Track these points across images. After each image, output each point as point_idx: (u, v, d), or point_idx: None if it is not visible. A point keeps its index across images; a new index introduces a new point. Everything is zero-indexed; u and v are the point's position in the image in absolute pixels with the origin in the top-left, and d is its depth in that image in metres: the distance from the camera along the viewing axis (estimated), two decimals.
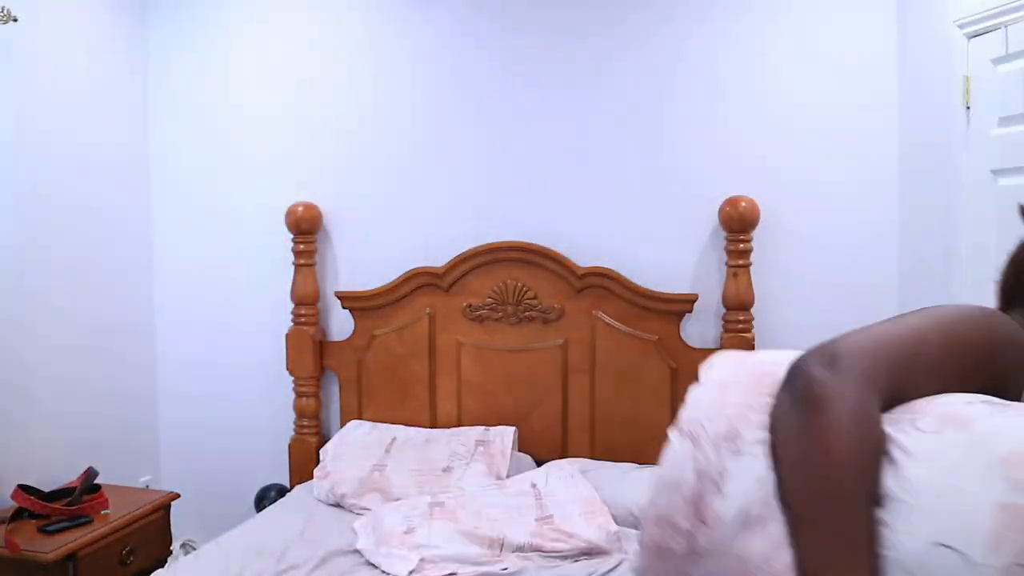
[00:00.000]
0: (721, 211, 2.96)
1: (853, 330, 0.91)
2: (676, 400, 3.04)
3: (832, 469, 0.82)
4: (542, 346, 3.15)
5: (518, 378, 3.16)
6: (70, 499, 2.73)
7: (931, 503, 0.81)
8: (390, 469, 2.93)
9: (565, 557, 2.47)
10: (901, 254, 3.00)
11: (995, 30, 2.35)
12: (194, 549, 3.17)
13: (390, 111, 3.32)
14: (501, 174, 3.23)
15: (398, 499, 2.80)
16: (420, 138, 3.30)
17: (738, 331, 2.95)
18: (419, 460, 2.96)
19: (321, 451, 3.16)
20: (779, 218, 3.02)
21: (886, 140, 2.98)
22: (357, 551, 2.52)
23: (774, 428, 0.88)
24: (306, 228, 3.28)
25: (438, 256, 3.21)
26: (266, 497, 3.28)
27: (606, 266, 3.08)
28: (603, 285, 3.08)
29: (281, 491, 3.27)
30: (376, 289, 3.27)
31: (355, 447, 3.06)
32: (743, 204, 2.92)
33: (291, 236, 3.30)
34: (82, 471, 2.85)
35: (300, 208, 3.27)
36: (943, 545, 0.79)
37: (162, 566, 2.55)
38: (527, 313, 3.15)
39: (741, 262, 2.95)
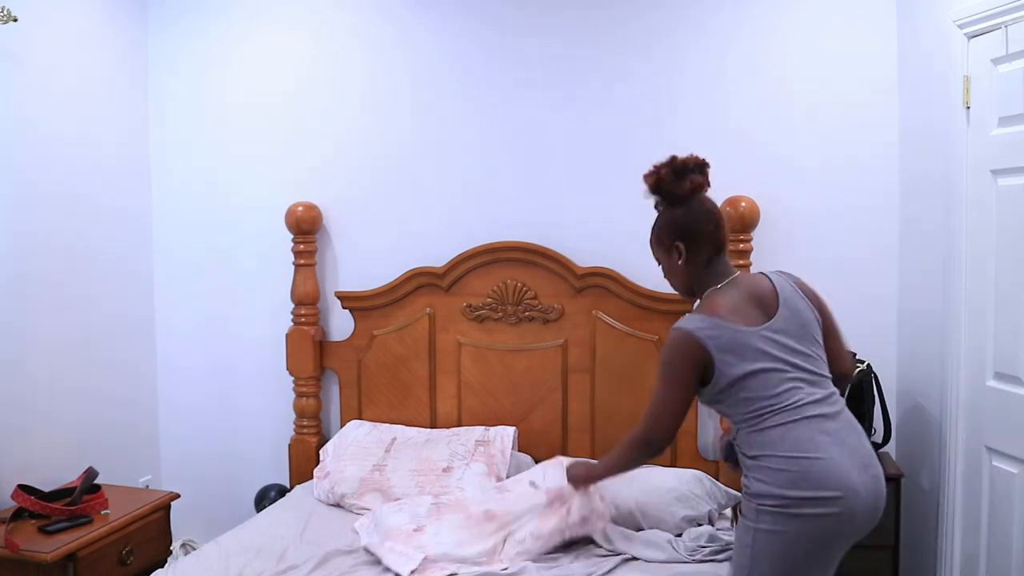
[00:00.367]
0: (721, 211, 2.95)
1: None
2: None
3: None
4: (542, 346, 3.15)
5: (518, 378, 3.16)
6: (70, 499, 2.73)
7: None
8: (390, 469, 2.93)
9: (566, 552, 2.47)
10: (901, 254, 3.00)
11: (995, 30, 2.36)
12: (194, 549, 3.16)
13: (390, 111, 3.32)
14: (501, 174, 3.23)
15: (398, 499, 2.80)
16: (420, 138, 3.30)
17: None
18: (419, 460, 2.96)
19: (321, 451, 3.16)
20: (779, 218, 3.02)
21: (886, 140, 2.98)
22: (357, 550, 2.52)
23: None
24: (306, 228, 3.28)
25: (438, 256, 3.21)
26: (266, 497, 3.28)
27: (606, 266, 3.08)
28: (603, 285, 3.08)
29: (281, 491, 3.27)
30: (376, 289, 3.27)
31: (355, 447, 3.06)
32: (743, 204, 2.92)
33: (291, 236, 3.30)
34: (82, 471, 2.85)
35: (300, 208, 3.27)
36: None
37: (162, 566, 2.54)
38: (527, 313, 3.15)
39: (741, 262, 2.95)
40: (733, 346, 1.99)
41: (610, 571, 2.41)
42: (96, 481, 2.83)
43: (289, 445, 3.35)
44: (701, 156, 2.14)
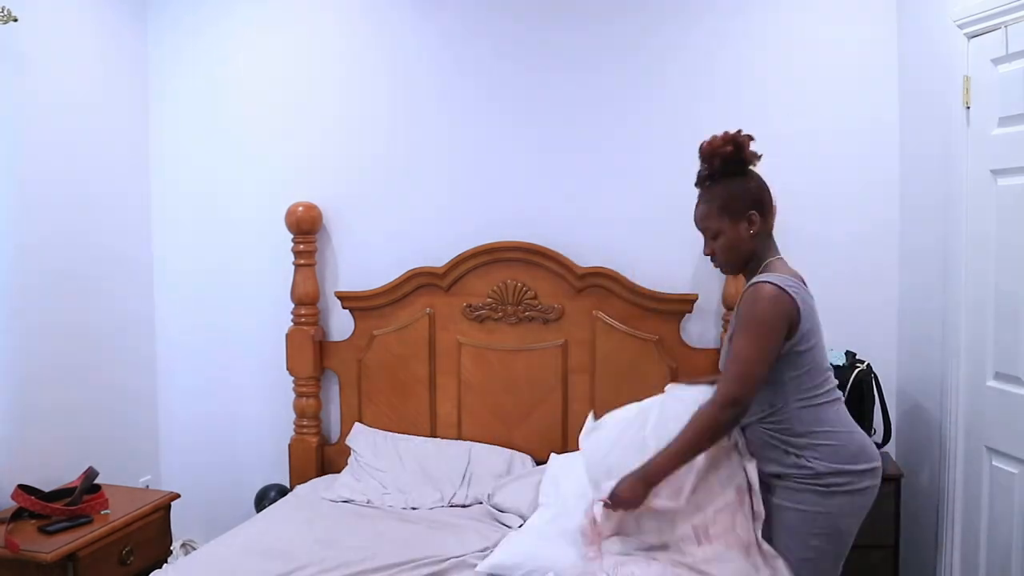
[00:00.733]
0: None
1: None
2: None
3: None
4: (542, 346, 3.15)
5: (518, 378, 3.16)
6: (70, 499, 2.73)
7: None
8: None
9: None
10: (901, 253, 3.00)
11: (995, 30, 2.36)
12: (194, 549, 3.16)
13: (390, 111, 3.32)
14: (501, 174, 3.23)
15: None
16: (420, 138, 3.30)
17: None
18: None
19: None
20: (780, 218, 3.01)
21: (887, 140, 2.98)
22: (357, 550, 2.51)
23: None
24: (306, 228, 3.28)
25: (438, 256, 3.21)
26: (266, 497, 3.28)
27: (606, 266, 3.08)
28: (603, 285, 3.08)
29: (281, 491, 3.27)
30: (376, 289, 3.27)
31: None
32: None
33: (291, 236, 3.30)
34: (82, 471, 2.85)
35: (300, 208, 3.27)
36: None
37: (161, 566, 2.54)
38: (527, 313, 3.15)
39: None
40: (811, 312, 2.02)
41: None
42: (96, 481, 2.82)
43: (289, 445, 3.35)
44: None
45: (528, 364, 3.15)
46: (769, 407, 2.03)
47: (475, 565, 2.40)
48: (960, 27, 2.48)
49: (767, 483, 2.08)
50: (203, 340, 3.53)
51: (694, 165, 3.07)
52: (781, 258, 2.14)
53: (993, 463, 2.43)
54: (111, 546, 2.65)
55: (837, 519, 1.99)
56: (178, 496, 3.01)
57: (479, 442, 3.18)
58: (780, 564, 1.98)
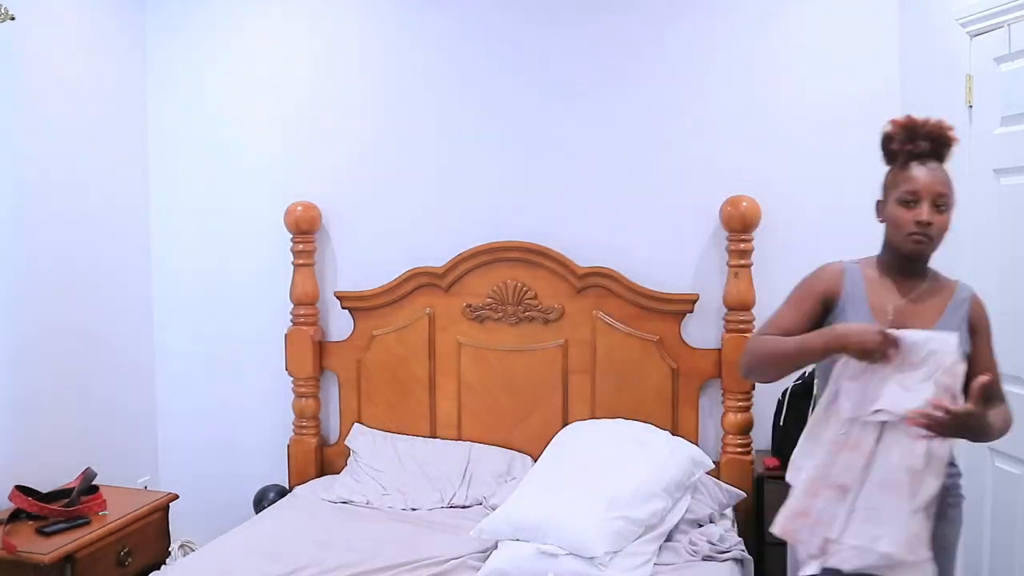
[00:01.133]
0: (722, 211, 2.95)
1: None
2: (676, 400, 3.04)
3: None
4: (542, 346, 3.13)
5: (518, 378, 3.15)
6: (68, 500, 2.72)
7: None
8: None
9: None
10: None
11: (998, 28, 2.35)
12: (192, 550, 3.15)
13: (390, 111, 3.31)
14: (501, 174, 3.22)
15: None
16: (420, 138, 3.29)
17: (739, 331, 2.94)
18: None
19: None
20: (781, 217, 3.01)
21: None
22: (357, 551, 2.50)
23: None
24: (306, 228, 3.27)
25: (438, 256, 3.20)
26: (265, 498, 3.26)
27: (606, 266, 3.07)
28: (603, 285, 3.07)
29: (280, 492, 3.25)
30: (376, 289, 3.26)
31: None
32: (744, 204, 2.91)
33: (291, 236, 3.29)
34: (80, 472, 2.84)
35: (300, 208, 3.26)
36: None
37: (160, 568, 2.53)
38: (527, 313, 3.14)
39: (742, 262, 2.94)
40: None
41: None
42: (94, 482, 2.82)
43: (288, 446, 3.34)
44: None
45: (528, 364, 3.14)
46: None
47: (475, 566, 2.40)
48: (963, 25, 2.47)
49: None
50: (202, 340, 3.52)
51: (694, 165, 3.09)
52: None
53: (996, 464, 2.41)
54: (109, 547, 2.65)
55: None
56: (176, 497, 3.00)
57: (479, 442, 3.17)
58: None
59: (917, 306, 1.91)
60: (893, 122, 1.96)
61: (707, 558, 2.48)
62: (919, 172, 1.90)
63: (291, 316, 3.31)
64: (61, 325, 3.06)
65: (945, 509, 1.89)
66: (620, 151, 3.13)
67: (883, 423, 1.77)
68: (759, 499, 2.90)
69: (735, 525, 2.80)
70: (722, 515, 2.78)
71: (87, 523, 2.64)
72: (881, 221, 1.97)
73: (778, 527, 1.88)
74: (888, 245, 1.96)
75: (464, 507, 2.92)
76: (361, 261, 3.35)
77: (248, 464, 3.49)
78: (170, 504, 2.95)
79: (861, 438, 1.79)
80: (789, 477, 1.91)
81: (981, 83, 2.43)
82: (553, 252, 3.10)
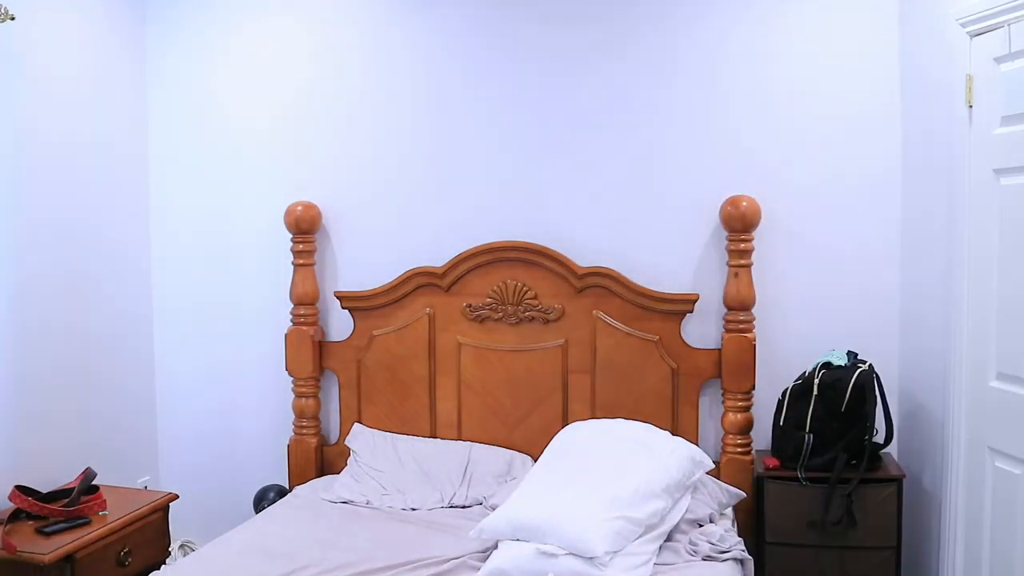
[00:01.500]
0: (722, 211, 2.95)
1: None
2: (676, 400, 3.04)
3: None
4: (542, 346, 3.13)
5: (518, 378, 3.15)
6: (68, 500, 2.71)
7: None
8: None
9: None
10: (903, 253, 2.99)
11: (998, 28, 2.34)
12: (192, 550, 3.15)
13: (390, 111, 3.31)
14: (501, 174, 3.22)
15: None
16: (420, 138, 3.29)
17: (739, 331, 2.94)
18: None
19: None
20: (781, 217, 3.02)
21: (888, 139, 2.97)
22: (357, 551, 2.50)
23: None
24: (306, 228, 3.27)
25: (438, 256, 3.20)
26: (265, 498, 3.26)
27: (606, 266, 3.07)
28: (603, 285, 3.07)
29: (280, 492, 3.25)
30: (376, 289, 3.26)
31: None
32: (744, 204, 2.91)
33: (290, 236, 3.29)
34: (80, 472, 2.84)
35: (300, 208, 3.26)
36: None
37: (160, 568, 2.53)
38: (527, 313, 3.14)
39: (742, 262, 2.94)
40: None
41: None
42: (94, 482, 2.82)
43: (288, 446, 3.34)
44: None
45: (528, 364, 3.14)
46: None
47: (475, 566, 2.39)
48: (962, 26, 2.46)
49: None
50: (202, 340, 3.52)
51: (696, 165, 3.09)
52: None
53: (996, 464, 2.41)
54: (109, 547, 2.65)
55: None
56: (176, 497, 3.00)
57: (479, 442, 3.17)
58: None
59: None
60: None
61: (707, 558, 2.47)
62: None
63: (291, 316, 3.31)
64: (62, 326, 3.06)
65: None
66: (620, 151, 3.13)
67: None
68: (759, 499, 2.90)
69: (735, 525, 2.81)
70: (722, 515, 2.78)
71: (87, 523, 2.64)
72: None
73: None
74: None
75: (464, 507, 2.92)
76: (361, 261, 3.35)
77: (248, 464, 3.49)
78: (170, 504, 2.95)
79: None
80: None
81: (981, 83, 2.43)
82: (553, 252, 3.10)
